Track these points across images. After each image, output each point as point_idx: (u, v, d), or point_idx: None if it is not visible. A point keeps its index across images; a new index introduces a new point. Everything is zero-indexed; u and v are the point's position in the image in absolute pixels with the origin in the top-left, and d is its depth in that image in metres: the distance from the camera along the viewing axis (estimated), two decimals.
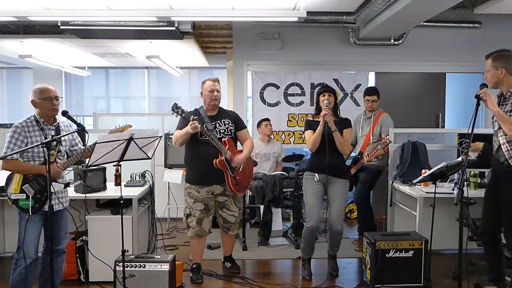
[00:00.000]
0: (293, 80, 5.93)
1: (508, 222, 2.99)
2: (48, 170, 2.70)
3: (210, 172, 3.65)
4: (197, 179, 3.73)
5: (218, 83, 3.79)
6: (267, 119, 5.44)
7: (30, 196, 2.93)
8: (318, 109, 3.85)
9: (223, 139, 3.70)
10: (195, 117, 3.51)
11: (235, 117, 3.89)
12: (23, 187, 2.93)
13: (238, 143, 3.93)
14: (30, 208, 2.91)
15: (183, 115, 3.55)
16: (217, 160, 3.62)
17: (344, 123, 3.84)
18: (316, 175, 3.78)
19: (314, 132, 3.73)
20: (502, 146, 2.94)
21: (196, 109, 3.82)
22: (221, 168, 3.65)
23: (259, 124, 5.49)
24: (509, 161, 2.89)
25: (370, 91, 4.76)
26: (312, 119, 3.94)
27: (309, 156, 4.08)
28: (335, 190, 3.77)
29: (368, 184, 4.57)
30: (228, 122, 3.79)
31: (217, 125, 3.74)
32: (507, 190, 2.93)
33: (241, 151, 3.83)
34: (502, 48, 3.00)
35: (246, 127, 4.00)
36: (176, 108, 3.52)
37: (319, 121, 3.71)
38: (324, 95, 3.79)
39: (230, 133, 3.79)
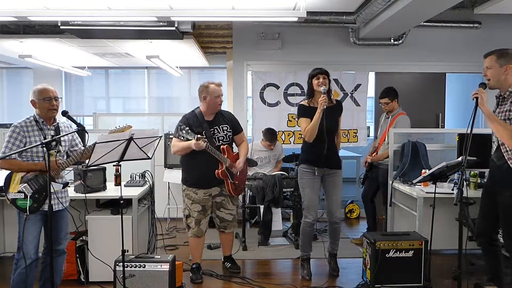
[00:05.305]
0: (293, 80, 5.91)
1: (506, 225, 2.98)
2: (48, 171, 2.69)
3: (208, 177, 3.65)
4: (194, 183, 3.72)
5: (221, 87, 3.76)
6: (271, 138, 5.25)
7: (28, 196, 2.92)
8: (311, 93, 3.66)
9: (221, 147, 3.67)
10: (199, 136, 3.42)
11: (233, 120, 3.84)
12: (21, 187, 2.92)
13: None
14: (27, 208, 2.90)
15: (187, 136, 3.44)
16: (219, 171, 3.62)
17: (340, 109, 3.74)
18: (316, 169, 3.68)
19: (311, 120, 3.54)
20: (501, 147, 2.93)
21: (193, 111, 3.77)
22: (223, 178, 3.66)
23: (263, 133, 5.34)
24: (508, 162, 2.88)
25: (380, 94, 4.73)
26: (307, 105, 3.69)
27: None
28: (334, 181, 3.75)
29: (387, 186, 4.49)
30: (226, 128, 3.75)
31: (216, 131, 3.70)
32: (505, 190, 2.91)
33: (238, 154, 3.81)
34: (502, 48, 2.97)
35: (242, 130, 3.95)
36: (180, 131, 3.43)
37: (315, 107, 3.53)
38: (318, 78, 3.59)
39: (228, 139, 3.75)
